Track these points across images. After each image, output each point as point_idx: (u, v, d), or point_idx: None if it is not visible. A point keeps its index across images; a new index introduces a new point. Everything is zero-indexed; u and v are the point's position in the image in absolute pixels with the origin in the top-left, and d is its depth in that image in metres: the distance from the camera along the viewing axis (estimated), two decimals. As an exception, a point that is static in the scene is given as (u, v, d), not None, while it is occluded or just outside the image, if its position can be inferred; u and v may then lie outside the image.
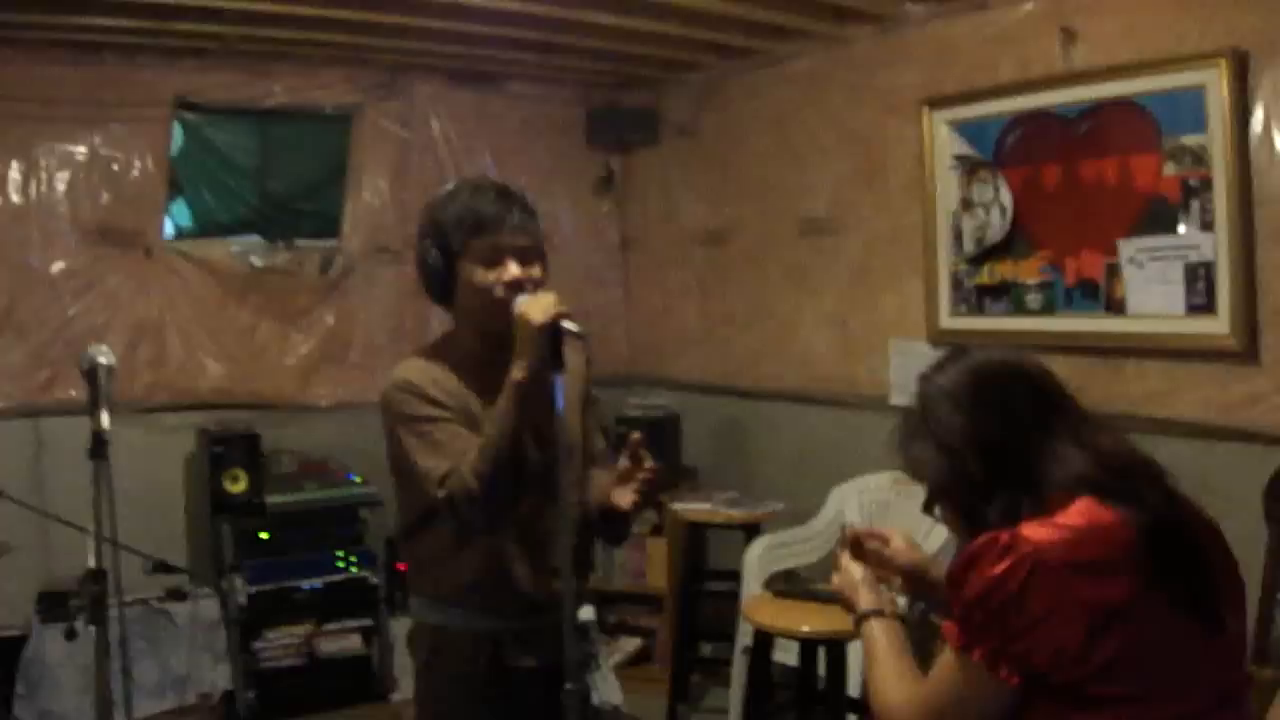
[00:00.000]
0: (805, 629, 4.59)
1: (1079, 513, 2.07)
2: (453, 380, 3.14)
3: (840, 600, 2.59)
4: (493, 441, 2.94)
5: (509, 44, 6.53)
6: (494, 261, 3.07)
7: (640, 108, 7.80)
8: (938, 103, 5.69)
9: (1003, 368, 2.32)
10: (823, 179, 6.54)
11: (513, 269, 3.07)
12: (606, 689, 2.84)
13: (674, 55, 6.93)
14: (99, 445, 2.61)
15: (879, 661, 2.36)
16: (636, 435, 3.17)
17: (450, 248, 3.09)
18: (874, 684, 2.33)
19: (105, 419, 2.66)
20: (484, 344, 3.18)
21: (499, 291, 3.05)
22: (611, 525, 3.37)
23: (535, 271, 3.12)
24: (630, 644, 7.19)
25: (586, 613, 3.21)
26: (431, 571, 3.27)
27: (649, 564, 7.06)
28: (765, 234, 7.00)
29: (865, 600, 2.50)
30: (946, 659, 2.12)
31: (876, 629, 2.43)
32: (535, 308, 2.91)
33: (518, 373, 2.93)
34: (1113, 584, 2.00)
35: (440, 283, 3.15)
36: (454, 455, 3.01)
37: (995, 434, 2.22)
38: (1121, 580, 2.00)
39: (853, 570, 2.59)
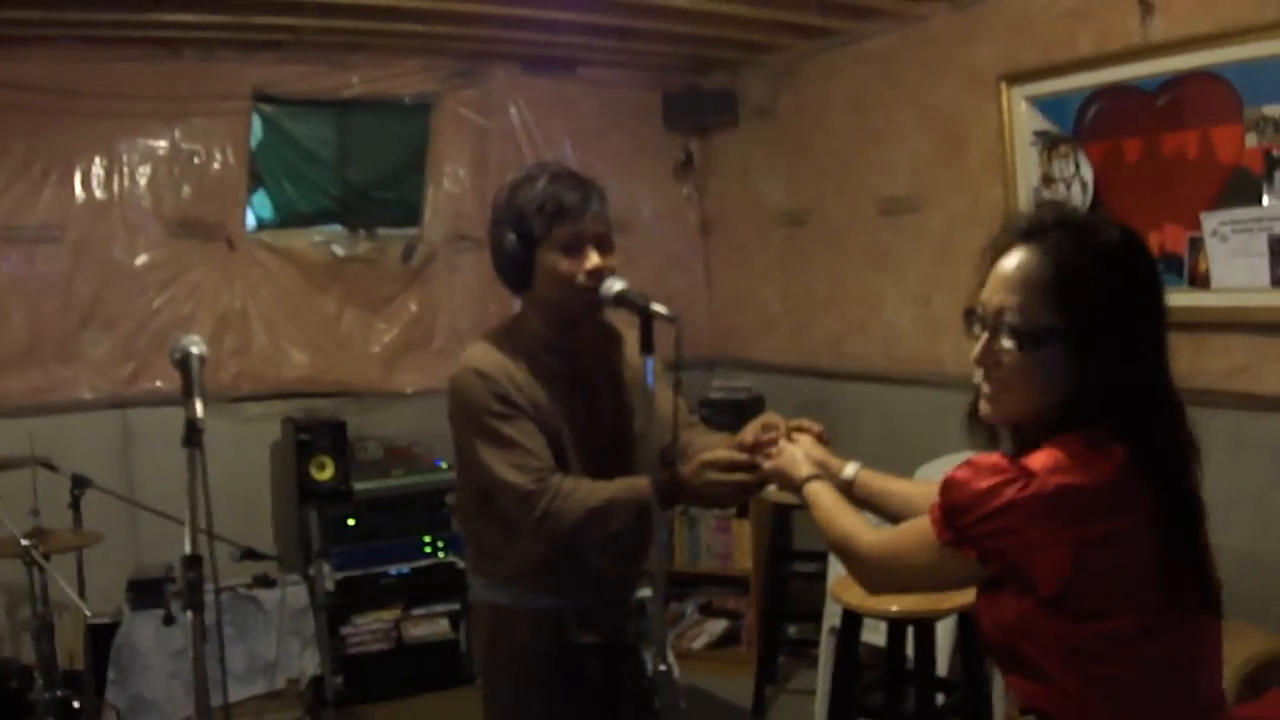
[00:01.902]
0: (894, 608, 4.56)
1: (1074, 441, 2.09)
2: (522, 370, 3.16)
3: (780, 477, 2.90)
4: (602, 516, 3.04)
5: (585, 29, 6.55)
6: (576, 250, 3.10)
7: (718, 90, 7.78)
8: (1016, 78, 5.63)
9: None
10: (902, 157, 6.50)
11: (594, 257, 3.10)
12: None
13: (751, 37, 6.90)
14: (193, 433, 2.63)
15: (833, 509, 2.62)
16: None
17: (531, 234, 3.10)
18: (833, 529, 2.57)
19: (199, 407, 2.68)
20: (553, 329, 3.23)
21: (581, 279, 3.08)
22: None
23: (611, 260, 3.14)
24: (717, 626, 7.21)
25: (644, 590, 3.28)
26: (493, 555, 3.31)
27: (735, 546, 7.06)
28: (845, 214, 6.97)
29: (806, 469, 2.82)
30: (925, 529, 2.25)
31: (821, 488, 2.73)
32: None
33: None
34: (1099, 517, 2.03)
35: (517, 268, 3.16)
36: (527, 455, 3.07)
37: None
38: (1108, 515, 2.04)
39: (790, 449, 2.93)
